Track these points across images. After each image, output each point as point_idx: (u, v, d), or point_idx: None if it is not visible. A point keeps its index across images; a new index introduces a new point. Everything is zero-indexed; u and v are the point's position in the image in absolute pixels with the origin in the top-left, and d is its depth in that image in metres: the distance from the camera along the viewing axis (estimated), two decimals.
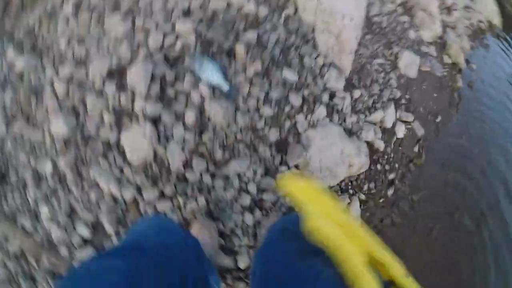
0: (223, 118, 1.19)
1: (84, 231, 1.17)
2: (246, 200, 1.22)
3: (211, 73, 1.19)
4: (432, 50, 2.07)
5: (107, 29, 1.27)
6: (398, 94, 1.73)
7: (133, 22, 1.28)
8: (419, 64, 1.92)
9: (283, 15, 1.44)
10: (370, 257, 0.34)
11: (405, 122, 1.73)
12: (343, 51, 1.48)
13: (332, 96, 1.42)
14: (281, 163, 1.28)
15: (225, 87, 1.20)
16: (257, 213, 1.23)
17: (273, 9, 1.44)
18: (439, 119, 2.03)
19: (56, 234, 1.17)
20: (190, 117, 1.18)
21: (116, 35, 1.26)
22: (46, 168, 1.21)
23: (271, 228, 0.60)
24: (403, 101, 1.77)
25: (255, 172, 1.24)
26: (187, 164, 1.19)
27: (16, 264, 1.17)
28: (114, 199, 1.19)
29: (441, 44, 2.20)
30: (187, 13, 1.31)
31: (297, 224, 0.44)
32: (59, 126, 1.19)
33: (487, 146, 2.07)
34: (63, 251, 1.17)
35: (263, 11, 1.39)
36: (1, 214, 1.24)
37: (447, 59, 2.20)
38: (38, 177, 1.23)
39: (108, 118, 1.18)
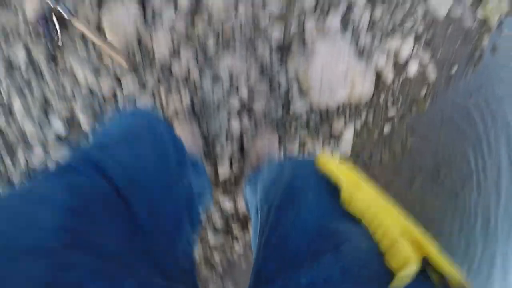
0: (222, 4, 1.04)
1: (59, 127, 1.10)
2: (235, 103, 1.13)
3: None
4: None
5: None
6: (421, 28, 1.57)
7: None
8: (451, 6, 1.71)
9: None
10: (404, 232, 0.32)
11: (420, 60, 1.60)
12: None
13: (350, 7, 1.25)
14: (279, 71, 1.17)
15: None
16: (245, 119, 1.16)
17: None
18: (454, 70, 1.90)
19: (30, 130, 1.09)
20: None
21: None
22: (19, 55, 1.07)
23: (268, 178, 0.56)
24: (423, 37, 1.61)
25: (249, 74, 1.13)
26: (174, 55, 1.07)
27: None
28: (91, 91, 1.09)
29: None
30: None
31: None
32: (33, 7, 1.01)
33: (492, 115, 2.00)
34: (38, 150, 1.10)
35: None
36: None
37: (480, 13, 1.97)
38: (10, 66, 1.09)
39: None
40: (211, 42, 1.08)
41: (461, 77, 1.96)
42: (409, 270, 0.26)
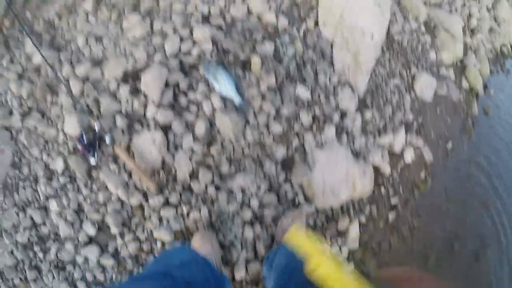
0: (232, 132, 1.22)
1: (90, 229, 1.23)
2: (247, 214, 1.25)
3: (224, 85, 1.21)
4: (451, 73, 2.06)
5: (126, 28, 1.30)
6: (410, 117, 1.74)
7: (152, 24, 1.30)
8: (436, 87, 1.92)
9: (303, 27, 1.45)
10: None
11: (414, 146, 1.74)
12: (360, 71, 1.49)
13: (343, 116, 1.44)
14: (285, 181, 1.31)
15: (237, 100, 1.23)
16: (257, 227, 1.27)
17: (294, 20, 1.45)
18: (449, 145, 2.04)
19: (63, 229, 1.23)
20: (200, 128, 1.21)
21: (133, 36, 1.28)
22: (58, 165, 1.25)
23: (278, 266, 0.82)
24: (415, 124, 1.78)
25: (259, 187, 1.27)
26: (193, 174, 1.23)
27: (24, 254, 1.23)
28: (121, 202, 1.24)
29: (461, 68, 2.19)
30: (206, 17, 1.33)
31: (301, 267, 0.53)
32: (72, 125, 1.23)
33: (495, 177, 2.07)
34: (69, 246, 1.22)
35: (283, 21, 1.40)
36: (12, 205, 1.30)
37: (465, 84, 2.19)
38: (49, 173, 1.28)
39: (120, 121, 1.21)
40: (224, 161, 1.24)
41: (458, 149, 2.08)
42: None
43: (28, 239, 1.26)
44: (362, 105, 1.53)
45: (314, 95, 1.37)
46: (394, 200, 1.63)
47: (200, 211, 1.23)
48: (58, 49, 1.33)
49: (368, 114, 1.53)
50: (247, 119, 1.25)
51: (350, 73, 1.49)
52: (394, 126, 1.65)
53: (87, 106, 1.24)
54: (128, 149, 1.22)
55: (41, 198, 1.27)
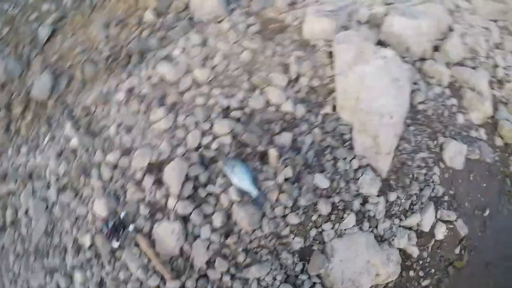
0: (248, 224, 1.26)
1: None
2: None
3: (241, 178, 1.26)
4: (482, 133, 1.93)
5: (152, 121, 1.42)
6: (440, 191, 1.66)
7: (176, 118, 1.40)
8: (467, 152, 1.80)
9: (321, 113, 1.47)
10: None
11: (446, 221, 1.65)
12: (380, 152, 1.47)
13: (364, 201, 1.42)
14: (302, 271, 1.31)
15: (254, 193, 1.27)
16: None
17: (312, 107, 1.48)
18: (487, 212, 1.89)
19: None
20: (218, 219, 1.26)
21: (159, 129, 1.39)
22: (85, 241, 1.37)
23: None
24: (445, 198, 1.68)
25: (274, 278, 1.28)
26: (209, 263, 1.28)
27: None
28: (140, 283, 1.31)
29: (492, 125, 2.03)
30: (226, 110, 1.41)
31: None
32: (100, 208, 1.35)
33: None
34: None
35: (301, 110, 1.44)
36: (41, 268, 1.44)
37: (498, 141, 2.02)
38: (77, 246, 1.40)
39: (143, 210, 1.31)
40: (240, 251, 1.28)
41: (497, 215, 1.92)
42: None
43: None
44: (385, 187, 1.49)
45: (333, 183, 1.36)
46: (425, 282, 1.54)
47: None
48: (93, 134, 1.48)
49: (392, 196, 1.48)
50: (263, 211, 1.28)
51: (371, 156, 1.48)
52: (422, 204, 1.58)
53: (115, 192, 1.36)
54: (149, 235, 1.30)
55: (68, 267, 1.40)
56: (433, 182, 1.65)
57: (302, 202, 1.31)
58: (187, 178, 1.30)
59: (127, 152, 1.40)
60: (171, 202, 1.28)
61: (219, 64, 1.49)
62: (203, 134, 1.36)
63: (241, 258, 1.27)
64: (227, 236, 1.27)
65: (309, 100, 1.47)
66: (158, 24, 1.68)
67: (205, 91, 1.44)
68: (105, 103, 1.50)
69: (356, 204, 1.38)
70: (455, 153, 1.74)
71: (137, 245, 1.32)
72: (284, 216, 1.30)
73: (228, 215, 1.28)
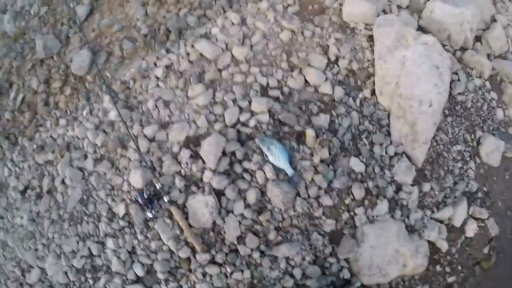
0: (282, 202, 1.28)
1: (139, 270, 1.38)
2: (289, 283, 1.29)
3: (277, 156, 1.29)
4: None
5: (190, 96, 1.45)
6: (474, 187, 1.64)
7: (214, 94, 1.44)
8: (504, 149, 1.77)
9: (359, 97, 1.48)
10: None
11: (477, 219, 1.63)
12: (417, 140, 1.46)
13: (398, 189, 1.42)
14: (331, 254, 1.33)
15: (289, 172, 1.29)
16: None
17: (350, 90, 1.48)
18: None
19: (115, 265, 1.40)
20: (252, 196, 1.30)
21: (197, 104, 1.43)
22: (120, 210, 1.43)
23: None
24: (479, 194, 1.66)
25: (303, 258, 1.31)
26: (241, 238, 1.32)
27: (76, 277, 1.46)
28: (171, 252, 1.37)
29: None
30: (265, 88, 1.43)
31: None
32: (136, 179, 1.40)
33: None
34: (117, 280, 1.38)
35: (339, 92, 1.45)
36: (74, 234, 1.51)
37: None
38: (111, 215, 1.46)
39: (179, 182, 1.35)
40: (272, 229, 1.31)
41: None
42: None
43: (83, 266, 1.47)
44: (420, 177, 1.49)
45: (368, 168, 1.38)
46: (451, 279, 1.54)
47: (243, 272, 1.30)
48: (131, 108, 1.53)
49: (426, 187, 1.48)
50: (298, 191, 1.31)
51: (408, 144, 1.47)
52: (455, 198, 1.57)
53: (152, 164, 1.41)
54: (183, 207, 1.35)
55: (101, 234, 1.46)
56: (468, 176, 1.63)
57: (336, 184, 1.32)
58: (223, 154, 1.34)
59: (164, 126, 1.44)
60: (207, 176, 1.32)
61: (258, 43, 1.50)
62: (241, 111, 1.39)
63: (272, 235, 1.30)
64: (260, 213, 1.31)
65: (348, 83, 1.48)
66: (196, 3, 1.71)
67: (244, 69, 1.46)
68: (144, 78, 1.55)
69: (390, 191, 1.39)
70: (492, 149, 1.71)
71: (170, 217, 1.37)
72: (318, 197, 1.32)
73: (262, 192, 1.31)
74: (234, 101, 1.41)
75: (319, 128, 1.37)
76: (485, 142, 1.70)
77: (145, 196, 1.35)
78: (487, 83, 1.84)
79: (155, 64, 1.56)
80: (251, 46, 1.51)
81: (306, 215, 1.32)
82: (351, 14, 1.62)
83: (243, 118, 1.37)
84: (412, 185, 1.44)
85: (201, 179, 1.34)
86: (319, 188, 1.32)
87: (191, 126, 1.40)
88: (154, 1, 1.79)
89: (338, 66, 1.49)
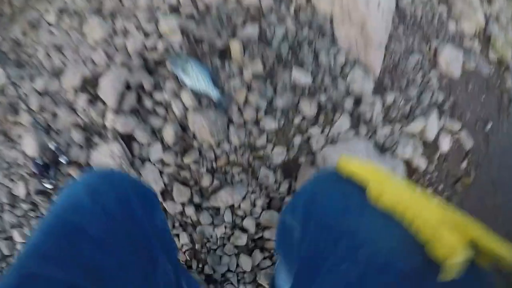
0: (211, 134, 0.76)
1: None
2: (242, 240, 0.77)
3: (196, 78, 0.77)
4: (476, 45, 1.44)
5: (87, 33, 0.92)
6: (441, 97, 1.16)
7: (113, 24, 0.91)
8: (462, 61, 1.31)
9: (292, 5, 0.97)
10: (444, 219, 0.23)
11: (451, 132, 1.15)
12: (370, 44, 0.97)
13: (357, 102, 0.92)
14: (289, 192, 0.81)
15: (214, 94, 0.77)
16: (258, 255, 0.78)
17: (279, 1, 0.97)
18: (488, 126, 1.39)
19: None
20: (170, 133, 0.77)
21: (93, 39, 0.89)
22: (20, 190, 0.88)
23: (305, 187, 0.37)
24: (446, 106, 1.18)
25: (253, 204, 0.79)
26: (166, 192, 0.78)
27: None
28: None
29: (485, 38, 1.54)
30: (175, 9, 0.91)
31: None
32: (30, 146, 0.85)
33: None
34: None
35: (267, 2, 0.93)
36: None
37: (492, 55, 1.53)
38: (13, 199, 0.91)
39: (77, 135, 0.81)
40: (204, 172, 0.78)
41: (498, 130, 1.43)
42: (457, 257, 0.20)
43: (1, 271, 0.90)
44: (380, 87, 1.00)
45: (316, 79, 0.87)
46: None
47: (178, 237, 0.77)
48: (21, 65, 0.98)
49: (389, 98, 0.99)
50: (229, 117, 0.79)
51: (359, 49, 0.98)
52: (423, 110, 1.08)
53: (46, 123, 0.86)
54: (87, 166, 0.81)
55: (7, 227, 0.90)
56: (431, 87, 1.15)
57: (280, 102, 0.81)
58: (128, 88, 0.81)
59: (57, 73, 0.90)
60: (109, 119, 0.79)
61: None
62: (147, 35, 0.86)
63: (206, 181, 0.78)
64: (184, 154, 0.78)
65: None
66: None
67: None
68: (35, 28, 1.01)
69: (349, 103, 0.88)
70: (451, 59, 1.24)
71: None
72: (257, 122, 0.80)
73: (183, 128, 0.79)
74: (138, 27, 0.88)
75: (247, 40, 0.85)
76: (443, 51, 1.23)
77: (41, 163, 0.81)
78: None
79: (46, 10, 1.01)
80: None
81: (247, 147, 0.80)
82: None
83: (149, 43, 0.85)
84: (372, 95, 0.94)
85: (104, 126, 0.81)
86: (257, 109, 0.80)
87: (87, 65, 0.86)
88: None
89: None
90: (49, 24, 1.00)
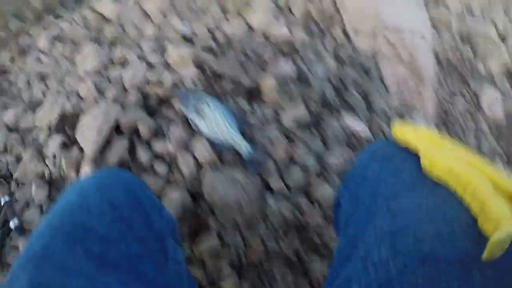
0: (237, 207, 0.46)
1: None
2: None
3: (214, 122, 0.49)
4: (506, 83, 1.23)
5: (78, 62, 0.67)
6: (493, 143, 0.90)
7: (110, 51, 0.66)
8: (502, 101, 1.08)
9: (326, 39, 0.75)
10: (499, 188, 0.18)
11: None
12: (422, 85, 0.73)
13: None
14: None
15: (242, 146, 0.49)
16: None
17: (313, 34, 0.75)
18: None
19: None
20: (173, 203, 0.46)
21: (85, 70, 0.64)
22: None
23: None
24: (503, 156, 0.92)
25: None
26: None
27: None
28: None
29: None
30: (188, 39, 0.67)
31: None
32: None
33: None
34: None
35: (300, 35, 0.71)
36: None
37: None
38: None
39: (38, 192, 0.50)
40: (226, 269, 0.45)
41: None
42: (503, 231, 0.15)
43: None
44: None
45: (372, 127, 0.60)
46: None
47: None
48: (1, 93, 0.71)
49: None
50: (265, 180, 0.49)
51: (410, 91, 0.73)
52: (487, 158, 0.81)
53: (7, 168, 0.56)
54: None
55: None
56: (484, 131, 0.90)
57: (333, 159, 0.53)
58: (118, 131, 0.52)
59: (34, 106, 0.62)
60: (84, 174, 0.49)
61: None
62: (149, 66, 0.61)
63: (228, 284, 0.45)
64: (195, 238, 0.47)
65: (306, 27, 0.75)
66: None
67: (158, 21, 0.72)
68: (23, 54, 0.76)
69: None
70: (492, 100, 1.02)
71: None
72: (306, 188, 0.51)
73: (194, 195, 0.48)
74: (140, 56, 0.63)
75: (281, 78, 0.60)
76: (482, 93, 1.01)
77: None
78: (457, 37, 1.21)
79: (40, 35, 0.78)
80: None
81: (293, 228, 0.48)
82: None
83: (152, 76, 0.58)
84: None
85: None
86: (304, 169, 0.51)
87: (70, 98, 0.59)
88: None
89: (290, 11, 0.78)
90: (40, 51, 0.75)
